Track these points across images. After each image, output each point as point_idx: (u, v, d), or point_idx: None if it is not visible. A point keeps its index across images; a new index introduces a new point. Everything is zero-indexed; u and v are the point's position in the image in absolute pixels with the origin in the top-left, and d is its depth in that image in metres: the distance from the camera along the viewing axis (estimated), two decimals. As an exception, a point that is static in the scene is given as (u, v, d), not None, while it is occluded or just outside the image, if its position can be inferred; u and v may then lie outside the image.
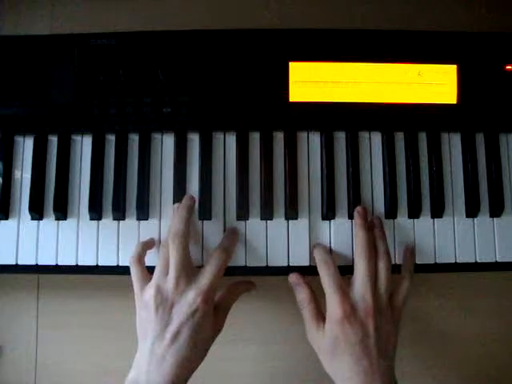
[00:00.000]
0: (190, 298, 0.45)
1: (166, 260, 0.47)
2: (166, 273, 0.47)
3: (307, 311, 0.49)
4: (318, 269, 0.49)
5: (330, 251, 0.52)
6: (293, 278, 0.51)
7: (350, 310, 0.46)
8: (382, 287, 0.48)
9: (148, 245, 0.51)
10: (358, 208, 0.51)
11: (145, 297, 0.47)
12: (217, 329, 0.48)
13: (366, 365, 0.45)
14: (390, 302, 0.48)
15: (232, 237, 0.51)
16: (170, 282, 0.46)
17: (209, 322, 0.46)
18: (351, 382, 0.45)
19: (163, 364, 0.44)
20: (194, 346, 0.45)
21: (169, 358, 0.44)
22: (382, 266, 0.48)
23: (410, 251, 0.51)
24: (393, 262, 0.51)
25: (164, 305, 0.45)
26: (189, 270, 0.47)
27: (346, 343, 0.45)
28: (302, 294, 0.50)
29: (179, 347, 0.44)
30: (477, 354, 0.58)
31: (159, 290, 0.46)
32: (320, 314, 0.49)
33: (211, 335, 0.47)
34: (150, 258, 0.50)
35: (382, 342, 0.46)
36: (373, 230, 0.51)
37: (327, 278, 0.48)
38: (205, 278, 0.46)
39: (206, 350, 0.47)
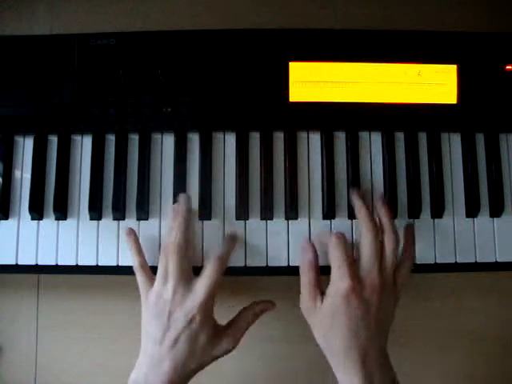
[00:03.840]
0: (187, 308, 0.46)
1: (166, 266, 0.48)
2: (166, 279, 0.47)
3: (307, 278, 0.48)
4: (328, 241, 0.48)
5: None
6: (304, 242, 0.51)
7: (358, 284, 0.46)
8: (387, 265, 0.48)
9: (139, 244, 0.50)
10: (353, 190, 0.51)
11: (148, 301, 0.48)
12: (225, 347, 0.47)
13: (363, 340, 0.45)
14: (394, 278, 0.48)
15: (230, 243, 0.50)
16: (168, 292, 0.47)
17: (206, 329, 0.46)
18: (346, 356, 0.45)
19: (161, 367, 0.45)
20: (191, 353, 0.46)
21: (166, 362, 0.45)
22: (388, 244, 0.48)
23: (410, 230, 0.51)
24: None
25: (163, 313, 0.46)
26: (187, 279, 0.47)
27: (346, 317, 0.45)
28: (306, 259, 0.49)
29: (177, 353, 0.45)
30: (477, 353, 0.58)
31: (159, 298, 0.47)
32: (319, 286, 0.48)
33: (211, 342, 0.47)
34: (151, 258, 0.50)
35: (382, 319, 0.46)
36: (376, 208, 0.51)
37: (336, 249, 0.47)
38: (201, 287, 0.46)
39: (206, 359, 0.47)
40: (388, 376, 0.45)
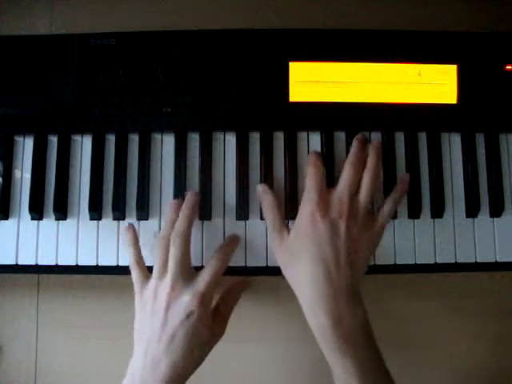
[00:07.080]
0: (186, 301, 0.45)
1: (164, 259, 0.47)
2: (164, 273, 0.47)
3: (272, 216, 0.49)
4: (307, 169, 0.49)
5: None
6: (260, 187, 0.51)
7: (323, 206, 0.46)
8: (362, 197, 0.48)
9: (137, 240, 0.50)
10: (358, 135, 0.52)
11: (143, 298, 0.47)
12: (217, 335, 0.48)
13: (331, 267, 0.44)
14: (371, 215, 0.48)
15: (232, 241, 0.50)
16: (166, 284, 0.46)
17: (205, 326, 0.45)
18: (311, 286, 0.44)
19: (158, 368, 0.43)
20: (189, 350, 0.44)
21: (163, 361, 0.43)
22: (366, 178, 0.48)
23: (406, 177, 0.51)
24: (392, 262, 0.51)
25: (160, 307, 0.45)
26: (187, 272, 0.47)
27: (313, 239, 0.45)
28: (267, 200, 0.49)
29: (174, 351, 0.44)
30: (476, 353, 0.58)
31: (156, 292, 0.46)
32: (285, 223, 0.49)
33: (208, 340, 0.46)
34: (151, 258, 0.50)
35: (352, 248, 0.45)
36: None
37: (310, 177, 0.48)
38: (201, 281, 0.46)
39: (203, 356, 0.46)
40: (358, 316, 0.44)
